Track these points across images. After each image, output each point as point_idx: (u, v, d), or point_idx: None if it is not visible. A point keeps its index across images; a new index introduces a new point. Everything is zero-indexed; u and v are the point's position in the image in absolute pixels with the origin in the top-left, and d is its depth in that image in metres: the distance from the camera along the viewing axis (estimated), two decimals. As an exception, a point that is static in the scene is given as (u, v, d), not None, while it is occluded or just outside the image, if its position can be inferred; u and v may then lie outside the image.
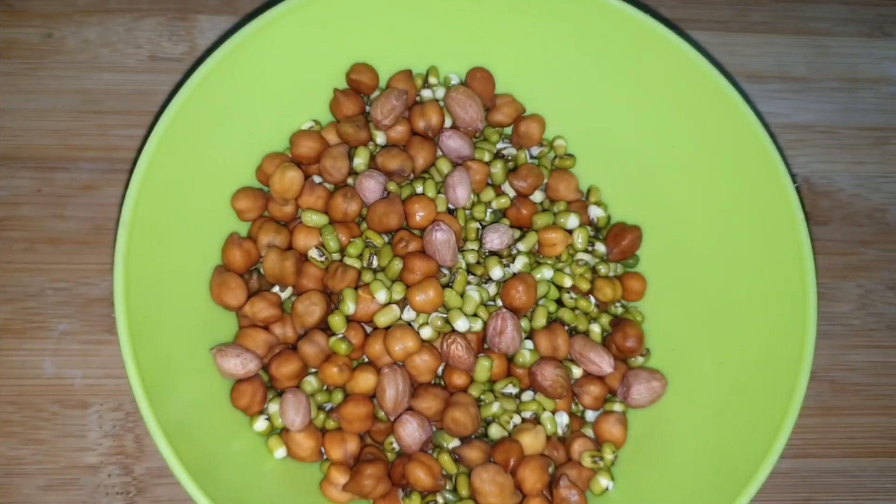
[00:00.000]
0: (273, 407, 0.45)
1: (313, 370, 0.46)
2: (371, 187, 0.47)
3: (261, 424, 0.45)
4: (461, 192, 0.47)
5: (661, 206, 0.50)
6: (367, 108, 0.50)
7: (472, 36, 0.50)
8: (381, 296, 0.45)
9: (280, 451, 0.45)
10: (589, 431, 0.47)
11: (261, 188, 0.48)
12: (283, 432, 0.45)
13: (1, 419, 0.49)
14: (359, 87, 0.49)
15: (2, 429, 0.49)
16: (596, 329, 0.48)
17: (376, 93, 0.50)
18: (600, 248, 0.49)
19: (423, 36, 0.50)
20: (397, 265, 0.46)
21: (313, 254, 0.46)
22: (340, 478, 0.44)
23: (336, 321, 0.44)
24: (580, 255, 0.49)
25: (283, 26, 0.46)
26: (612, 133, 0.51)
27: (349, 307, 0.45)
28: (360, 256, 0.46)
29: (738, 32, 0.61)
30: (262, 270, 0.47)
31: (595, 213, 0.50)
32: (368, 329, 0.46)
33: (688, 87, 0.47)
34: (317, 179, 0.48)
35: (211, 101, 0.45)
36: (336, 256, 0.46)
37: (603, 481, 0.45)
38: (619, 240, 0.49)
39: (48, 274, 0.51)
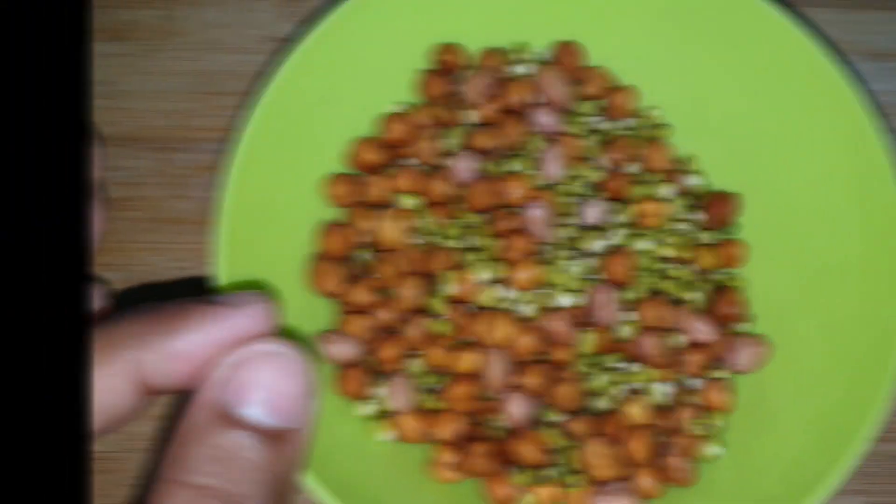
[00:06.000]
0: (378, 391, 0.47)
1: (416, 352, 0.48)
2: (465, 167, 0.49)
3: (366, 408, 0.48)
4: (554, 168, 0.49)
5: (759, 173, 0.51)
6: (457, 86, 0.51)
7: (561, 8, 0.52)
8: (481, 276, 0.47)
9: (386, 434, 0.47)
10: (696, 400, 0.49)
11: (354, 173, 0.50)
12: (389, 415, 0.48)
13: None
14: (447, 67, 0.51)
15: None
16: (698, 297, 0.50)
17: (467, 71, 0.52)
18: (699, 216, 0.51)
19: (512, 10, 0.52)
20: (495, 244, 0.48)
21: (411, 239, 0.48)
22: (449, 458, 0.46)
23: (436, 304, 0.47)
24: (679, 225, 0.50)
25: (369, 10, 0.49)
26: (708, 102, 0.52)
27: (449, 289, 0.47)
28: (457, 237, 0.48)
29: (864, 9, 0.60)
30: (360, 258, 0.49)
31: (692, 181, 0.52)
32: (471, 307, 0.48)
33: (783, 56, 0.49)
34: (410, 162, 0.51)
35: (301, 90, 0.48)
36: (435, 239, 0.49)
37: (712, 448, 0.47)
38: (719, 207, 0.51)
39: (171, 254, 0.54)
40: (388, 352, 0.47)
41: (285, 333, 0.33)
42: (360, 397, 0.48)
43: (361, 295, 0.48)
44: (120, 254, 0.54)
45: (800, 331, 0.49)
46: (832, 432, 0.44)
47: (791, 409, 0.47)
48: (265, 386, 0.31)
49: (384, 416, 0.48)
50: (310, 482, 0.41)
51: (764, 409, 0.48)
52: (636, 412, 0.47)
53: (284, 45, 0.57)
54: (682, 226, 0.50)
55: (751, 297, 0.51)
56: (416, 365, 0.48)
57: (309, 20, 0.57)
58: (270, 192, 0.47)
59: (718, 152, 0.52)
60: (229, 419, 0.30)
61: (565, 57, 0.52)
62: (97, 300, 0.46)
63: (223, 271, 0.44)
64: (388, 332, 0.48)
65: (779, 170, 0.50)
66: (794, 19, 0.48)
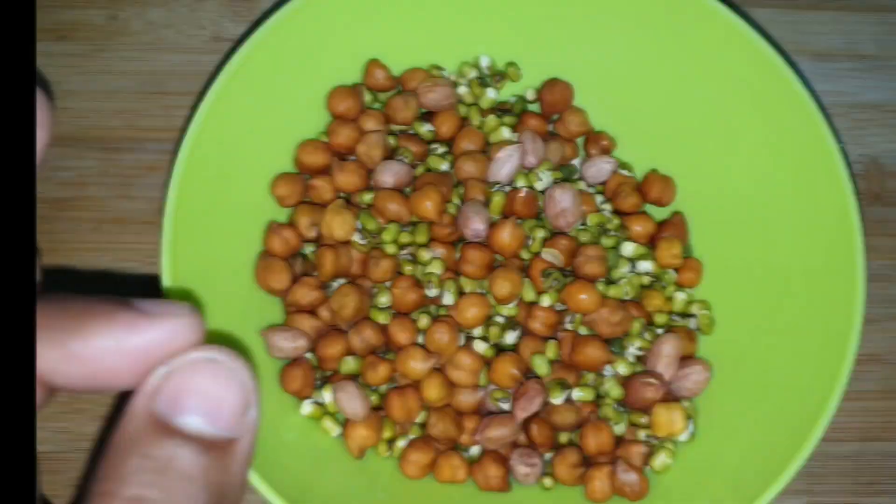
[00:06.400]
0: (325, 395, 0.46)
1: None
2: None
3: (308, 408, 0.46)
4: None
5: (707, 189, 0.51)
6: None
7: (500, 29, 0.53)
8: (428, 290, 0.47)
9: (336, 430, 0.46)
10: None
11: (299, 174, 0.49)
12: (333, 415, 0.47)
13: (70, 396, 0.50)
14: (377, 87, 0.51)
15: (71, 405, 0.51)
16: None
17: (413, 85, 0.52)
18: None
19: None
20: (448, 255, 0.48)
21: (355, 237, 0.47)
22: (417, 457, 0.46)
23: (376, 314, 0.47)
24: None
25: (314, 11, 0.48)
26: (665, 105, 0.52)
27: (383, 300, 0.47)
28: (395, 242, 0.48)
29: (806, 10, 0.61)
30: (306, 255, 0.48)
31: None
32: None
33: (734, 57, 0.49)
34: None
35: (246, 90, 0.46)
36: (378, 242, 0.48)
37: (662, 458, 0.47)
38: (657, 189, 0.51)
39: (115, 254, 0.53)
40: (330, 349, 0.46)
41: (220, 340, 0.32)
42: (305, 396, 0.46)
43: (302, 294, 0.47)
44: (63, 254, 0.53)
45: (744, 339, 0.49)
46: (779, 435, 0.44)
47: (738, 415, 0.47)
48: (202, 394, 0.27)
49: (328, 415, 0.47)
50: (255, 481, 0.40)
51: (710, 416, 0.48)
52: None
53: (230, 45, 0.57)
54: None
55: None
56: (349, 362, 0.47)
57: (254, 20, 0.57)
58: (216, 192, 0.45)
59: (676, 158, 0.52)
60: (165, 429, 0.27)
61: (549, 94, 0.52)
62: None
63: (168, 271, 0.42)
64: (332, 329, 0.47)
65: (726, 183, 0.50)
66: (741, 19, 0.48)
